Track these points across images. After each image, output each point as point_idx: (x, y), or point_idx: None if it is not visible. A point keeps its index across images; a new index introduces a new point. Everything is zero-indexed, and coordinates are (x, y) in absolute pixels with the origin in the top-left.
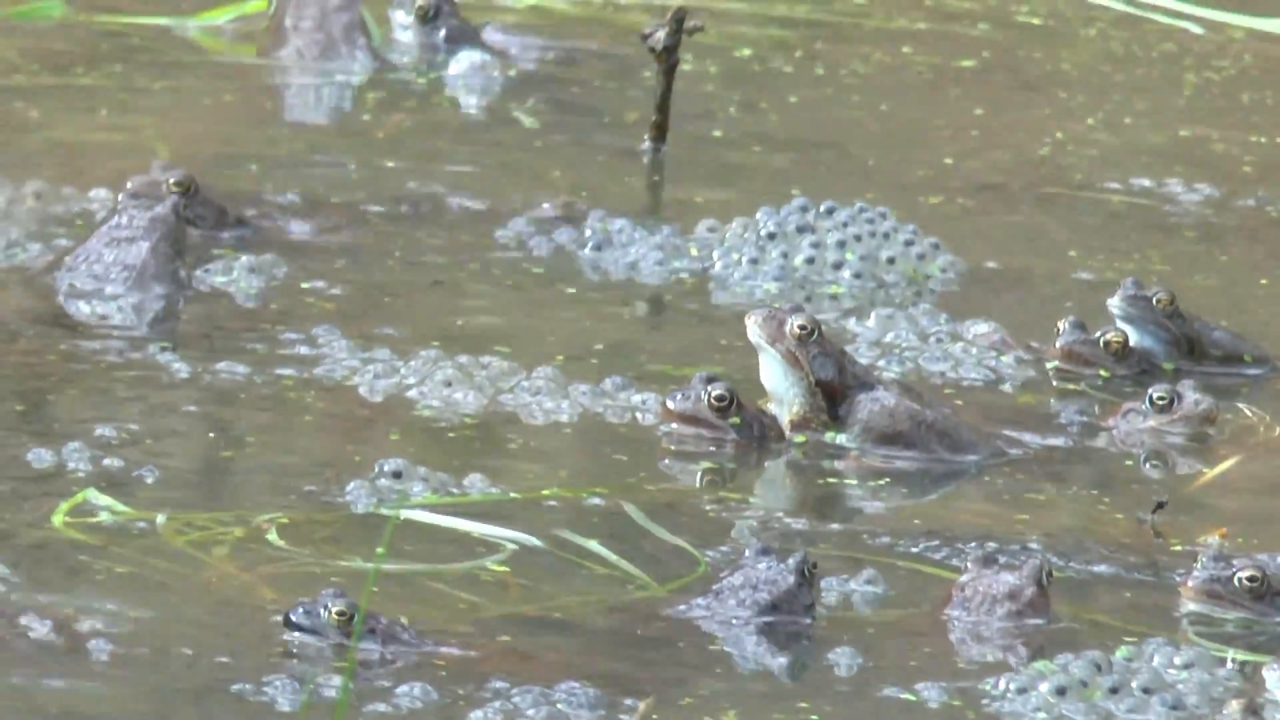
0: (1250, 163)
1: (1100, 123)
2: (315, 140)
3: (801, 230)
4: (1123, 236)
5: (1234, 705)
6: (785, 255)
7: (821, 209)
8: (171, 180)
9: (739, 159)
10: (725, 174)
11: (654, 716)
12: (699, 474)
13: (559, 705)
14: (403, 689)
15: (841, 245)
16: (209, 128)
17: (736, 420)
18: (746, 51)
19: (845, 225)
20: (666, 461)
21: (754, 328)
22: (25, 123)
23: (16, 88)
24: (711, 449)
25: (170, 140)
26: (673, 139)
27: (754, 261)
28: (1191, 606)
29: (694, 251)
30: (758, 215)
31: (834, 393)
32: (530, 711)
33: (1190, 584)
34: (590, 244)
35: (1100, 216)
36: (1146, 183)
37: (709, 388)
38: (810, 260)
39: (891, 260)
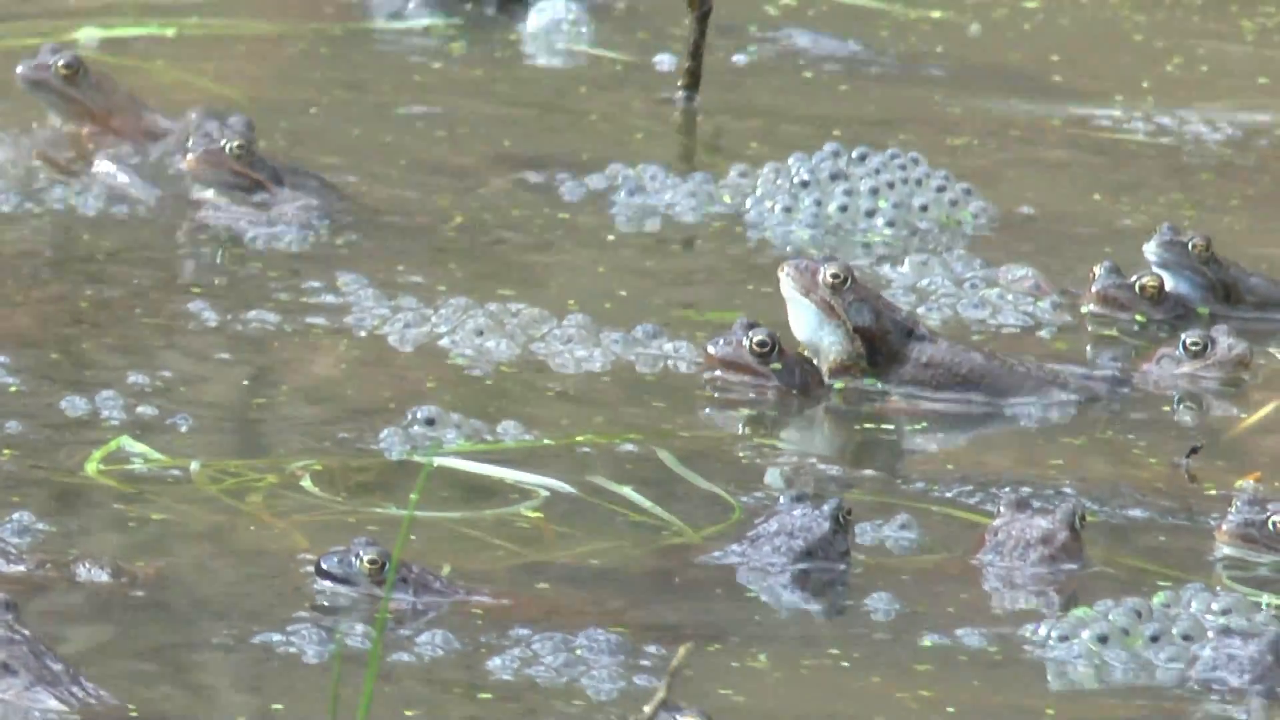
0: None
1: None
2: (352, 88)
3: (835, 177)
4: (1152, 178)
5: None
6: (819, 203)
7: (854, 154)
8: (60, 63)
9: (771, 104)
10: (759, 120)
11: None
12: (735, 420)
13: (579, 652)
14: (424, 637)
15: (874, 193)
16: (258, 74)
17: (778, 365)
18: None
19: (878, 172)
20: (706, 409)
21: (787, 280)
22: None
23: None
24: (752, 395)
25: (228, 84)
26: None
27: (788, 210)
28: (1226, 550)
29: (726, 199)
30: (790, 161)
31: (873, 338)
32: (549, 659)
33: (1225, 528)
34: (623, 190)
35: (1128, 158)
36: (1167, 121)
37: (750, 333)
38: (844, 208)
39: (924, 208)
